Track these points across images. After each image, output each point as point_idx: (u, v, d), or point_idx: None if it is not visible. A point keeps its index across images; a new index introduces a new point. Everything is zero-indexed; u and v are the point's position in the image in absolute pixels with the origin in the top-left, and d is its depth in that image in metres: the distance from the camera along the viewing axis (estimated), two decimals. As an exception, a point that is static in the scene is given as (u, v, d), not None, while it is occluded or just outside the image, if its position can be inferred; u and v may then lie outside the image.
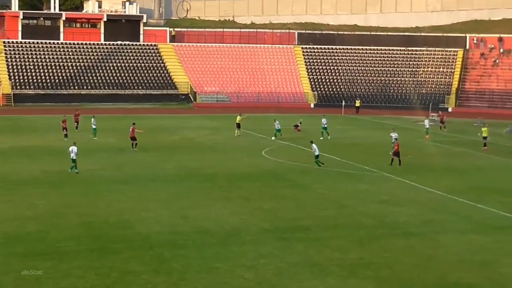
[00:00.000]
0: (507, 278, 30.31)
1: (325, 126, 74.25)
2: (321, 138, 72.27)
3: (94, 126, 69.95)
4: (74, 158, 49.63)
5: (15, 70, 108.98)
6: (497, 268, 31.58)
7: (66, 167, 50.86)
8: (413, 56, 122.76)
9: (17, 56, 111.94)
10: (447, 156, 64.62)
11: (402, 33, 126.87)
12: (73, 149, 49.64)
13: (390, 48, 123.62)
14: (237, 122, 73.20)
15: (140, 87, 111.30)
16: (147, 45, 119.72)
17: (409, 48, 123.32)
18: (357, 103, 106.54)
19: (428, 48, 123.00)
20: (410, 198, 45.82)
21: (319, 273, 29.97)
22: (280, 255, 32.40)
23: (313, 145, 54.65)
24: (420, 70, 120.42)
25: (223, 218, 38.86)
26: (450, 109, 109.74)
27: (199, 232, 35.66)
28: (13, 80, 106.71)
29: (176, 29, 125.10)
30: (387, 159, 57.45)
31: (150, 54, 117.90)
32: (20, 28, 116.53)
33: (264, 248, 33.60)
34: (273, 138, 70.93)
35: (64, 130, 67.36)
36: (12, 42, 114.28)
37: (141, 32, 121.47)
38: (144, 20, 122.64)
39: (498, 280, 29.83)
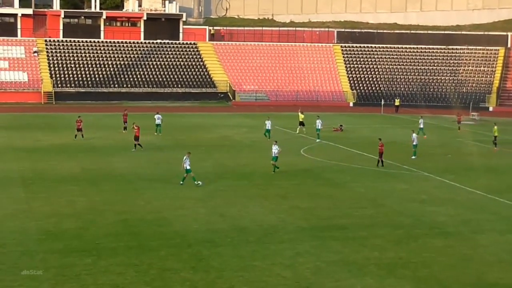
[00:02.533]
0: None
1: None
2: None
3: (158, 122, 71.32)
4: (187, 168, 46.62)
5: (56, 69, 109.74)
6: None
7: (104, 164, 51.03)
8: (453, 54, 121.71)
9: (58, 54, 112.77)
10: (486, 155, 64.00)
11: (443, 32, 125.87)
12: (186, 160, 46.54)
13: (430, 46, 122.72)
14: (300, 120, 74.27)
15: (179, 86, 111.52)
16: (187, 43, 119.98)
17: (449, 47, 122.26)
18: (397, 102, 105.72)
19: (469, 47, 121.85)
20: (448, 197, 45.52)
21: (356, 272, 29.88)
22: (317, 254, 32.37)
23: (275, 145, 51.82)
24: (460, 69, 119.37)
25: (260, 217, 38.93)
26: (491, 108, 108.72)
27: (236, 230, 35.74)
28: (54, 78, 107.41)
29: (215, 27, 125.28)
30: (426, 158, 57.11)
31: (189, 53, 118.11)
32: (61, 27, 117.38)
33: (301, 246, 33.58)
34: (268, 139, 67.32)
35: (79, 130, 66.47)
36: (54, 41, 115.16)
37: (181, 30, 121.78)
38: (184, 19, 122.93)
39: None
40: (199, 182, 45.92)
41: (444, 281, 29.22)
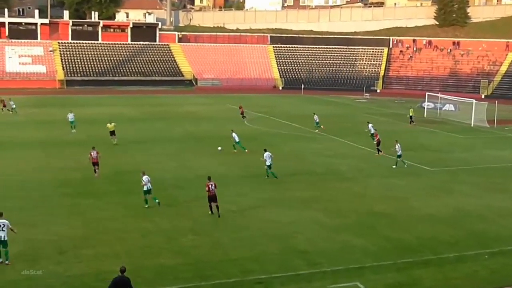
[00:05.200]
0: (416, 208, 30.55)
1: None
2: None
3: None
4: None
5: (67, 63, 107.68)
6: (408, 202, 31.80)
7: (101, 132, 49.74)
8: (352, 52, 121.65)
9: (68, 52, 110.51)
10: (374, 123, 64.43)
11: (345, 36, 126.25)
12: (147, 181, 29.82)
13: (336, 47, 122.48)
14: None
15: (156, 75, 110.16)
16: (162, 44, 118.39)
17: (349, 47, 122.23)
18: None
19: (363, 47, 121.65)
20: (348, 153, 45.90)
21: (283, 207, 30.13)
22: (254, 194, 32.46)
23: (266, 153, 36.59)
24: (357, 63, 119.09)
25: (214, 168, 38.54)
26: (378, 90, 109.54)
27: (197, 178, 35.04)
28: (65, 70, 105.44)
29: (182, 33, 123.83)
30: (333, 126, 57.19)
31: (163, 51, 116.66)
32: (70, 32, 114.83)
33: (243, 189, 33.69)
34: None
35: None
36: (64, 43, 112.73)
37: (157, 35, 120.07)
38: (159, 27, 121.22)
39: (409, 211, 30.04)
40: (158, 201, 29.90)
41: (345, 211, 29.61)
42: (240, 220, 27.56)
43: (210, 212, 28.30)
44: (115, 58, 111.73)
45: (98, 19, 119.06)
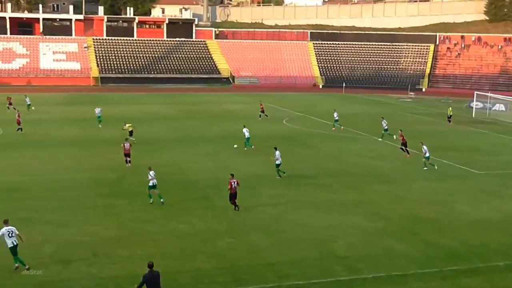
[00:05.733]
0: (463, 213, 30.12)
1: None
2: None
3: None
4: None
5: (101, 59, 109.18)
6: (454, 206, 31.37)
7: (136, 131, 50.64)
8: (396, 49, 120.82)
9: (102, 49, 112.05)
10: (420, 124, 63.85)
11: (388, 32, 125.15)
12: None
13: (379, 43, 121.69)
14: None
15: (192, 72, 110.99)
16: (198, 41, 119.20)
17: (393, 44, 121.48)
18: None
19: (408, 44, 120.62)
20: (390, 155, 45.50)
21: (323, 210, 29.94)
22: (293, 196, 32.41)
23: (277, 152, 37.18)
24: (401, 60, 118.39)
25: (251, 169, 38.86)
26: (424, 89, 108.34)
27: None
28: (100, 67, 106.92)
29: (219, 29, 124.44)
30: (376, 126, 56.77)
31: (200, 48, 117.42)
32: (104, 28, 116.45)
33: (280, 190, 33.61)
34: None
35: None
36: (99, 39, 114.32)
37: (194, 31, 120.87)
38: (196, 23, 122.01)
39: (455, 216, 29.62)
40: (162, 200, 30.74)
41: (387, 215, 29.35)
42: (277, 224, 27.57)
43: (236, 209, 29.15)
44: (150, 55, 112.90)
45: (134, 15, 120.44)
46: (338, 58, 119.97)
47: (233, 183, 28.89)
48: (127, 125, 48.31)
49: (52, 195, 31.59)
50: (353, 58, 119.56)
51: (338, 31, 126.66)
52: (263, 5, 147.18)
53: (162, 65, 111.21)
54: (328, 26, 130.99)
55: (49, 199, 30.63)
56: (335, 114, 56.93)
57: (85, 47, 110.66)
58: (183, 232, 26.04)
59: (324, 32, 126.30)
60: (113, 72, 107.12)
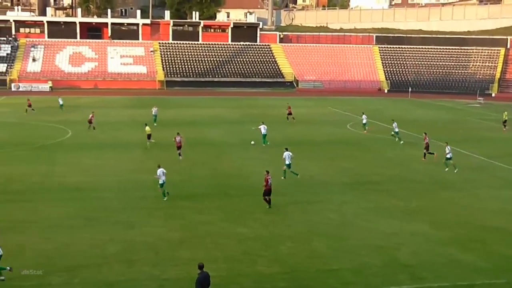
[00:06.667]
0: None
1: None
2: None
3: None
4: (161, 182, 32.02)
5: (167, 63, 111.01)
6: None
7: (200, 134, 51.25)
8: (465, 53, 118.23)
9: (168, 53, 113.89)
10: (489, 130, 62.20)
11: (457, 36, 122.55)
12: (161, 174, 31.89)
13: (447, 47, 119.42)
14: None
15: (256, 76, 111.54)
16: (262, 45, 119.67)
17: (462, 47, 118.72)
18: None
19: (477, 47, 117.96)
20: (457, 161, 44.38)
21: (386, 216, 29.55)
22: (357, 202, 32.18)
23: (286, 152, 37.11)
24: (470, 65, 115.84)
25: (314, 173, 38.74)
26: (493, 95, 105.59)
27: (296, 184, 35.63)
28: (165, 70, 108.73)
29: (284, 33, 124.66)
30: (442, 131, 55.67)
31: (264, 52, 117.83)
32: (170, 32, 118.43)
33: (345, 196, 33.35)
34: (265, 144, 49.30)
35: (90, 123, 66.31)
36: (165, 43, 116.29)
37: (258, 35, 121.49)
38: (260, 26, 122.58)
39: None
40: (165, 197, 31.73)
41: (452, 223, 28.70)
42: (340, 229, 27.35)
43: (268, 207, 29.81)
44: (215, 59, 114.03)
45: (199, 19, 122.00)
46: (404, 62, 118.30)
47: (269, 179, 29.83)
48: (147, 127, 48.78)
49: (116, 195, 32.27)
50: (419, 62, 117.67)
51: (405, 35, 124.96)
52: (328, 9, 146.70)
53: (226, 69, 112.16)
54: (394, 30, 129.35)
55: (114, 200, 31.32)
56: (364, 117, 57.74)
57: (151, 51, 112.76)
58: (244, 236, 26.15)
59: (390, 36, 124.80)
60: (178, 75, 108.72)
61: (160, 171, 31.59)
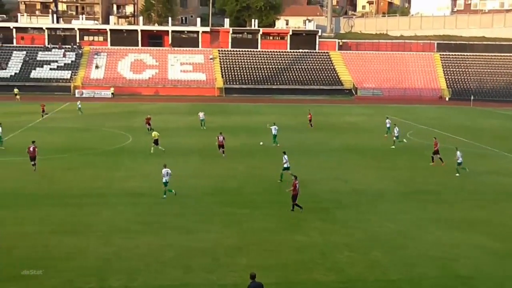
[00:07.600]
0: None
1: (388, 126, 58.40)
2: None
3: (274, 133, 57.88)
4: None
5: (226, 70, 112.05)
6: None
7: (255, 140, 51.36)
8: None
9: (227, 60, 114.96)
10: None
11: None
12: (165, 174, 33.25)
13: (511, 54, 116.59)
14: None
15: (315, 83, 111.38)
16: (321, 52, 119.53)
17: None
18: None
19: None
20: (522, 172, 43.28)
21: (446, 227, 28.95)
22: (415, 212, 31.65)
23: (284, 156, 38.11)
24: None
25: (373, 182, 38.35)
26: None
27: (355, 193, 35.36)
28: (224, 78, 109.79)
29: (343, 40, 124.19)
30: (503, 141, 54.23)
31: (323, 59, 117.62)
32: (230, 40, 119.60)
33: (403, 206, 32.87)
34: (261, 143, 51.28)
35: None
36: (224, 50, 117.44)
37: (317, 42, 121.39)
38: (319, 34, 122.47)
39: None
40: (165, 196, 33.15)
41: (518, 237, 27.88)
42: (398, 240, 26.95)
43: (292, 210, 30.43)
44: (273, 66, 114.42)
45: (258, 26, 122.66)
46: (467, 69, 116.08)
47: (297, 184, 30.28)
48: (154, 132, 49.05)
49: (175, 201, 32.64)
50: (482, 70, 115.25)
51: (467, 42, 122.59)
52: (388, 16, 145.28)
53: (285, 76, 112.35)
54: (456, 37, 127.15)
55: (172, 205, 31.69)
56: (387, 121, 58.76)
57: (211, 59, 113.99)
58: (301, 244, 26.06)
59: (452, 43, 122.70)
60: (237, 83, 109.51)
61: (164, 171, 32.88)
